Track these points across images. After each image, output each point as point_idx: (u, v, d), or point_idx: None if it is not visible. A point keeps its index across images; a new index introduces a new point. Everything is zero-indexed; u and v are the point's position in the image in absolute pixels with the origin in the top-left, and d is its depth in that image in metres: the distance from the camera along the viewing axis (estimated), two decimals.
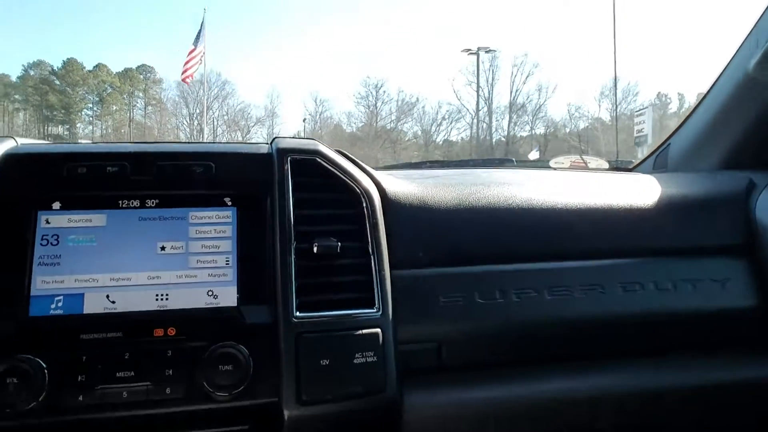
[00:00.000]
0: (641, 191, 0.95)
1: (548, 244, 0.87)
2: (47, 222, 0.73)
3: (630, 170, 1.37)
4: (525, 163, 1.66)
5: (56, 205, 0.74)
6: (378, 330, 0.73)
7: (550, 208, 0.89)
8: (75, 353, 0.66)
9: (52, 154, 0.77)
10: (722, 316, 0.88)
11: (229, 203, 0.78)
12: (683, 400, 0.85)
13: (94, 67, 42.42)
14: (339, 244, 0.75)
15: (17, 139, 0.82)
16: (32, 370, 0.63)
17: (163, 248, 0.74)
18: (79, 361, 0.66)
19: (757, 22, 1.05)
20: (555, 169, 1.39)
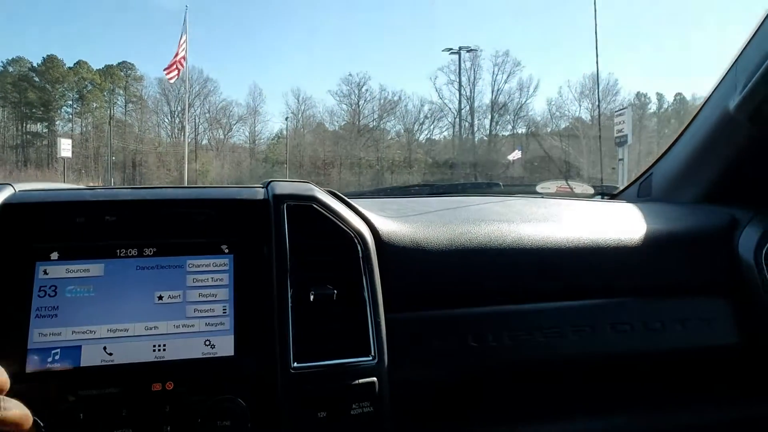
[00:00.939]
0: (628, 225, 0.98)
1: (538, 285, 0.89)
2: (45, 273, 0.73)
3: (614, 196, 1.40)
4: (512, 187, 1.68)
5: (54, 255, 0.74)
6: (374, 379, 0.74)
7: (539, 248, 0.91)
8: (72, 411, 0.66)
9: (50, 204, 0.77)
10: (709, 355, 0.91)
11: (226, 250, 0.78)
12: None
13: (74, 64, 41.73)
14: (335, 291, 0.77)
15: (15, 185, 0.81)
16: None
17: (160, 298, 0.74)
18: (77, 419, 0.66)
19: (735, 61, 1.08)
20: (542, 194, 1.41)
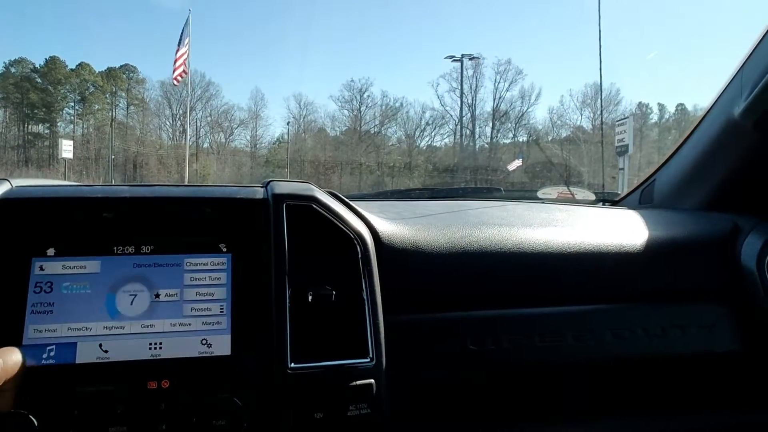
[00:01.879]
0: (630, 231, 0.97)
1: (538, 289, 0.89)
2: (41, 269, 0.72)
3: (616, 203, 1.39)
4: (512, 192, 1.67)
5: (51, 252, 0.73)
6: (371, 381, 0.73)
7: (540, 252, 0.90)
8: (67, 408, 0.65)
9: (47, 200, 0.76)
10: (709, 361, 0.90)
11: (225, 249, 0.78)
12: None
13: (76, 65, 41.83)
14: (333, 292, 0.76)
15: (12, 180, 0.81)
16: (23, 427, 0.63)
17: (157, 296, 0.74)
18: (71, 416, 0.65)
19: (741, 67, 1.08)
20: (542, 199, 1.41)
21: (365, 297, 0.78)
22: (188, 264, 0.76)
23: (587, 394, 0.88)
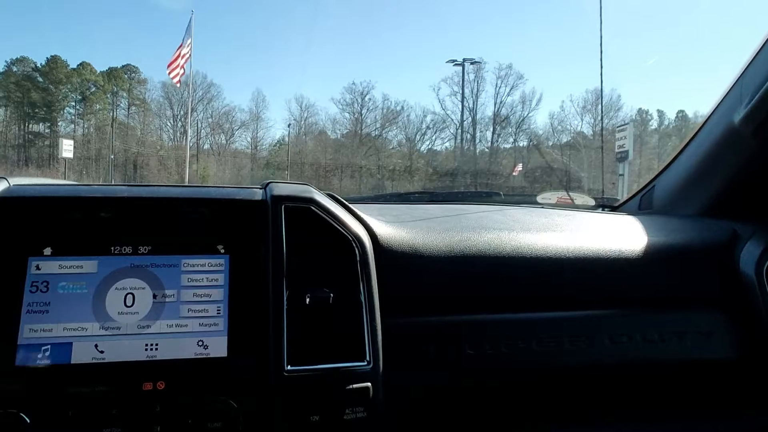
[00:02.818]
0: (629, 237, 0.97)
1: (536, 294, 0.88)
2: (38, 268, 0.72)
3: (615, 208, 1.39)
4: (512, 197, 1.67)
5: (47, 251, 0.73)
6: (368, 384, 0.73)
7: (538, 256, 0.90)
8: (61, 408, 0.65)
9: (45, 199, 0.76)
10: (707, 368, 0.90)
11: (222, 251, 0.77)
12: None
13: (78, 65, 41.89)
14: (331, 295, 0.76)
15: (10, 179, 0.81)
16: (15, 426, 0.62)
17: (154, 296, 0.73)
18: (65, 416, 0.65)
19: (741, 74, 1.08)
20: (542, 204, 1.41)
21: (363, 299, 0.78)
22: (186, 265, 0.76)
23: (585, 399, 0.87)
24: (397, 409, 0.77)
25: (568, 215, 1.17)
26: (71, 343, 0.69)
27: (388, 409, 0.74)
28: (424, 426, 0.82)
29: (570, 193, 1.37)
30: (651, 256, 0.94)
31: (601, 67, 1.52)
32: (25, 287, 0.71)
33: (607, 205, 1.40)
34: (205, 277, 0.76)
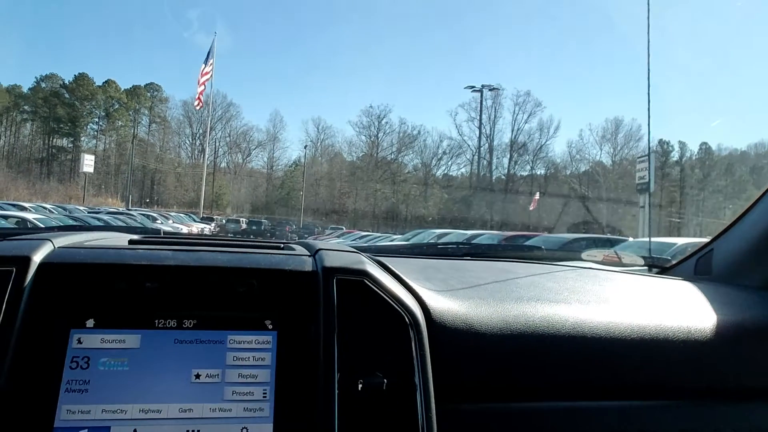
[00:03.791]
0: (694, 311, 0.91)
1: (600, 379, 0.82)
2: (79, 342, 0.68)
3: (667, 269, 1.32)
4: (553, 252, 1.61)
5: (90, 323, 0.69)
6: None
7: (600, 337, 0.84)
8: None
9: (90, 266, 0.73)
10: None
11: (270, 327, 0.73)
12: None
13: (103, 82, 42.84)
14: (385, 381, 0.70)
15: (54, 239, 0.77)
16: None
17: (198, 376, 0.69)
18: None
19: None
20: (586, 261, 1.35)
21: (418, 382, 0.73)
22: (231, 341, 0.71)
23: None
24: None
25: (623, 280, 1.11)
26: (109, 428, 0.65)
27: None
28: None
29: (617, 252, 1.31)
30: (722, 337, 0.88)
31: (648, 112, 1.47)
32: (65, 363, 0.66)
33: (657, 265, 1.33)
34: (251, 356, 0.71)
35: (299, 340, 0.72)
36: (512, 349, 0.81)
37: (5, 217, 11.84)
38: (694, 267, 1.24)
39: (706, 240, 1.27)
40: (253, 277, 0.75)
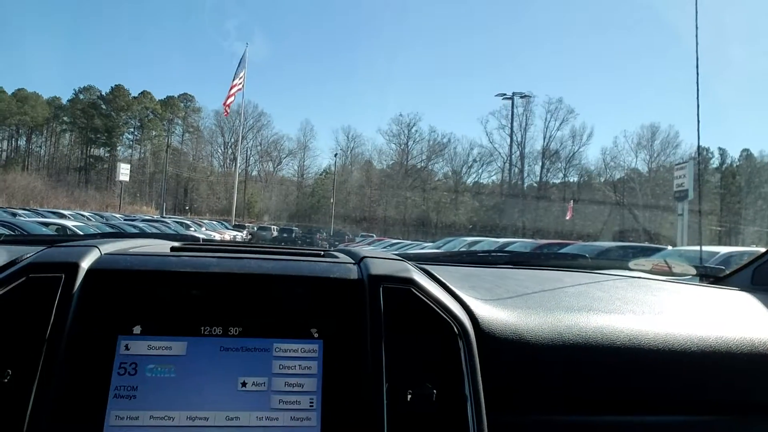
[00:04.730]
0: (756, 323, 0.86)
1: (658, 393, 0.78)
2: (127, 348, 0.68)
3: (722, 279, 1.26)
4: (599, 261, 1.55)
5: (137, 330, 0.68)
6: None
7: (657, 349, 0.80)
8: None
9: (137, 272, 0.72)
10: None
11: (316, 335, 0.71)
12: None
13: (139, 93, 44.02)
14: (434, 392, 0.68)
15: (101, 246, 0.78)
16: None
17: (244, 384, 0.68)
18: None
19: None
20: (634, 270, 1.30)
21: (468, 393, 0.70)
22: (277, 350, 0.70)
23: None
24: None
25: (675, 290, 1.07)
26: None
27: None
28: None
29: (668, 261, 1.26)
30: None
31: (698, 117, 1.42)
32: (113, 368, 0.66)
33: (710, 275, 1.28)
34: (297, 365, 0.70)
35: (346, 348, 0.71)
36: (565, 360, 0.78)
37: (46, 224, 12.19)
38: (751, 276, 1.18)
39: (751, 249, 1.21)
40: (299, 284, 0.74)
